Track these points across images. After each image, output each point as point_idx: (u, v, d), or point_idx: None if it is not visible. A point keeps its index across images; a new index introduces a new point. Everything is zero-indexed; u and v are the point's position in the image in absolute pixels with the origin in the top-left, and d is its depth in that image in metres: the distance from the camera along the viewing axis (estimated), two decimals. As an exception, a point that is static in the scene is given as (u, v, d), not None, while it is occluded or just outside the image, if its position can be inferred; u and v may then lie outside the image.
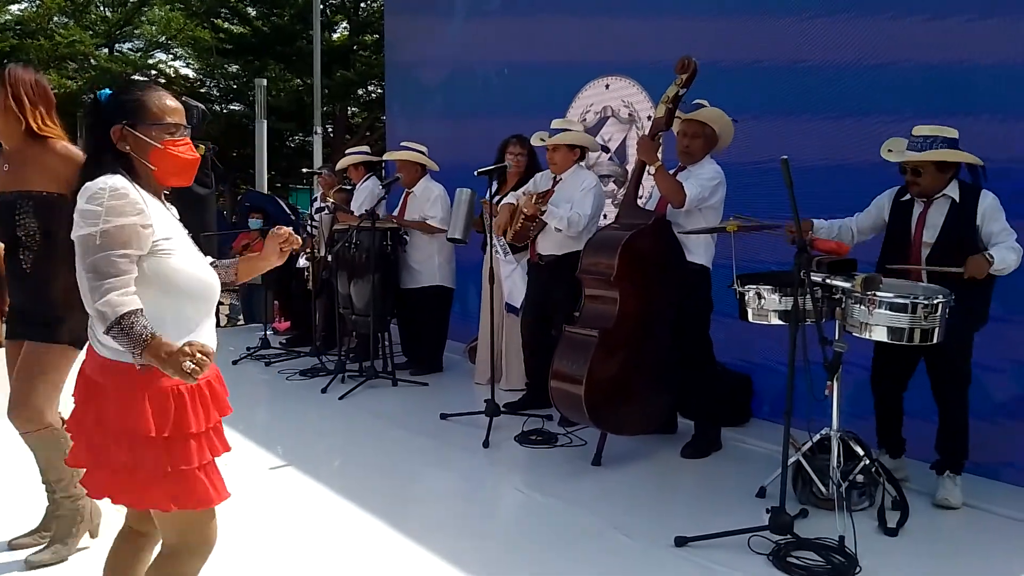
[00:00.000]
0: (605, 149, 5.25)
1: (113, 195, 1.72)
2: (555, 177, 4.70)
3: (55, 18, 21.09)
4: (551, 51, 6.08)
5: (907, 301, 3.03)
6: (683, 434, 4.18)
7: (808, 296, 3.06)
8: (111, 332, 1.69)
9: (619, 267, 3.77)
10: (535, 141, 5.11)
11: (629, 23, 5.45)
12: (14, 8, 21.07)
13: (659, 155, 3.89)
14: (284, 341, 6.97)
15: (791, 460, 3.17)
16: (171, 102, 1.88)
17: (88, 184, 1.76)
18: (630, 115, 5.52)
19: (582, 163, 4.73)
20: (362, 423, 4.67)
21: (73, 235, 1.74)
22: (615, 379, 3.80)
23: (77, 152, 2.69)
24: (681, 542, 2.96)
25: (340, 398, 5.12)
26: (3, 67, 2.75)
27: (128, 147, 1.82)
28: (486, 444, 4.14)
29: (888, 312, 3.06)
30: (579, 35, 5.83)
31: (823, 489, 3.25)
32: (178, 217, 1.95)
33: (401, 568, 2.86)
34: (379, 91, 19.50)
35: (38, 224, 2.68)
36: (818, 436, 3.32)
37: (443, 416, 4.65)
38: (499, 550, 3.03)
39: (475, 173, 4.54)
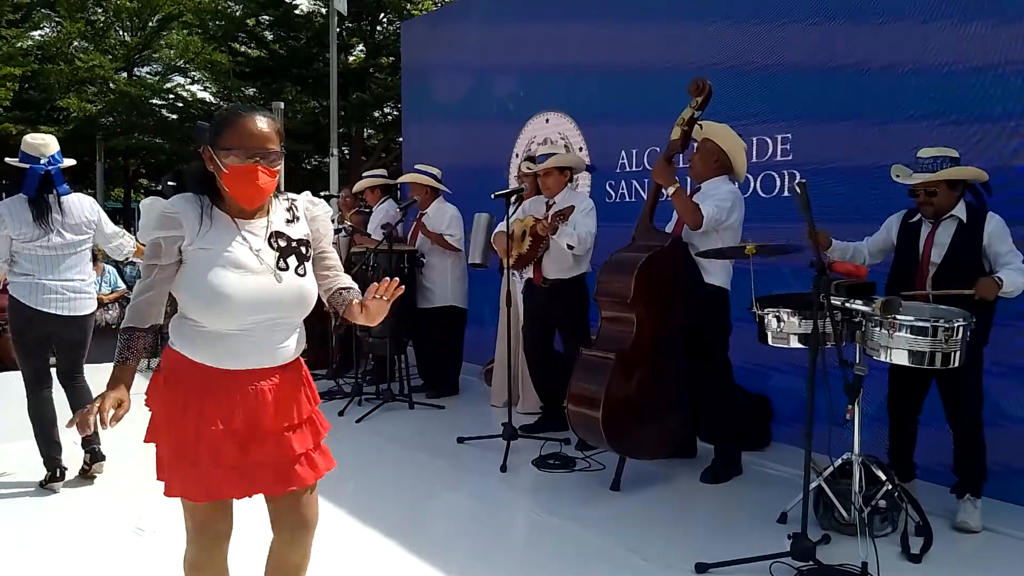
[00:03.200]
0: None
1: (148, 211, 1.94)
2: (547, 202, 4.72)
3: (75, 43, 21.45)
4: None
5: (928, 324, 3.02)
6: (702, 458, 4.16)
7: (828, 319, 3.04)
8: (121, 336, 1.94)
9: (636, 289, 3.76)
10: (522, 170, 5.20)
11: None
12: (36, 34, 21.47)
13: (675, 177, 3.89)
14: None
15: (812, 485, 3.14)
16: (249, 127, 1.91)
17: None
18: (565, 146, 5.69)
19: (572, 184, 4.77)
20: (379, 446, 4.67)
21: None
22: (633, 402, 3.78)
23: None
24: (702, 568, 2.93)
25: (357, 421, 5.12)
26: None
27: (212, 167, 1.92)
28: (504, 468, 4.13)
29: (909, 335, 3.04)
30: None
31: (845, 514, 3.22)
32: (272, 232, 1.98)
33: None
34: (395, 113, 19.66)
35: None
36: (839, 461, 3.28)
37: (460, 439, 4.64)
38: (516, 567, 3.01)
39: (492, 196, 4.57)
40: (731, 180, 4.06)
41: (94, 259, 8.09)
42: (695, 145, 4.09)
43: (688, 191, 4.08)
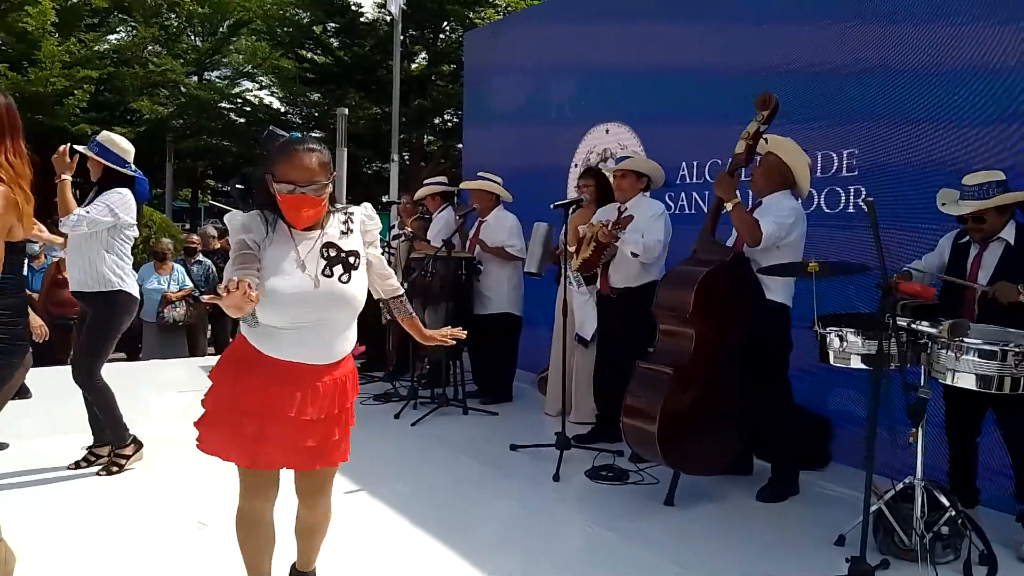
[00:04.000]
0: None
1: (231, 220, 2.26)
2: (620, 207, 4.71)
3: (149, 47, 22.15)
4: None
5: (996, 348, 2.94)
6: (759, 476, 4.10)
7: (892, 340, 2.99)
8: None
9: (695, 304, 3.74)
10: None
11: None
12: (112, 38, 22.25)
13: (736, 192, 3.86)
14: (359, 365, 7.09)
15: (872, 508, 3.08)
16: (297, 163, 2.18)
17: None
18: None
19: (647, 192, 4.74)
20: (433, 450, 4.72)
21: None
22: (689, 417, 3.76)
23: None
24: (756, 588, 2.90)
25: (412, 424, 5.19)
26: None
27: (273, 191, 2.22)
28: (556, 477, 4.14)
29: (976, 359, 2.97)
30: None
31: (905, 539, 3.15)
32: (324, 243, 2.27)
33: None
34: (455, 120, 19.84)
35: None
36: (901, 485, 3.22)
37: (513, 447, 4.67)
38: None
39: (551, 206, 4.60)
40: (794, 195, 4.01)
41: (163, 258, 8.41)
42: (758, 159, 4.06)
43: (749, 205, 4.04)
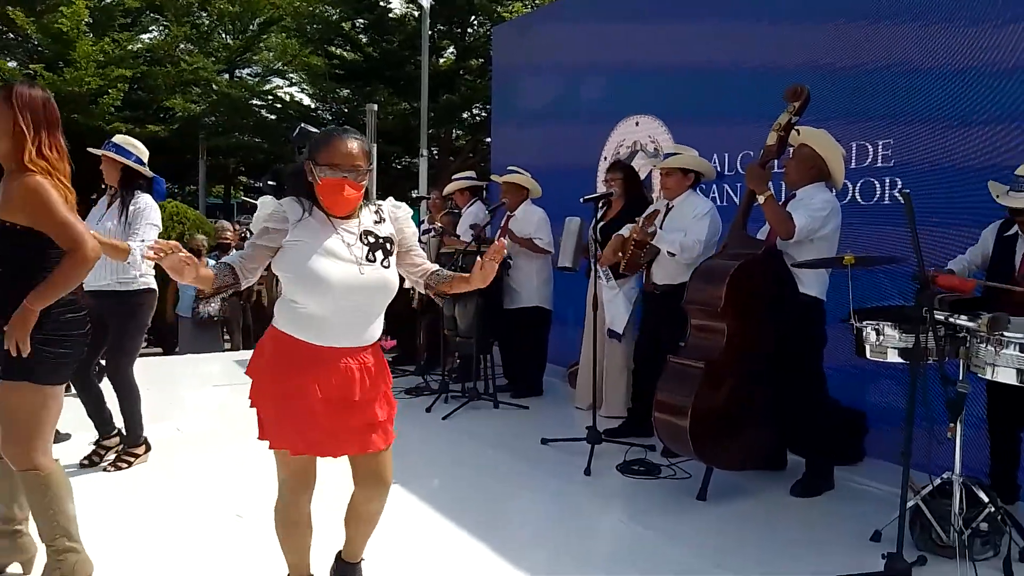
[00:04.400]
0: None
1: (261, 207, 2.35)
2: (667, 204, 4.67)
3: (181, 45, 22.41)
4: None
5: (1039, 342, 2.88)
6: (793, 471, 4.06)
7: (930, 334, 2.94)
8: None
9: (726, 298, 3.71)
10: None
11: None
12: (145, 37, 22.54)
13: (769, 185, 3.82)
14: (390, 359, 7.15)
15: (909, 504, 3.04)
16: (340, 148, 2.25)
17: None
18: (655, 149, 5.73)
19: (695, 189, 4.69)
20: (464, 444, 4.74)
21: None
22: (721, 412, 3.73)
23: (42, 190, 2.54)
24: (790, 584, 2.88)
25: (443, 418, 5.21)
26: (8, 86, 2.64)
27: (311, 178, 2.29)
28: (587, 472, 4.13)
29: (1017, 353, 2.90)
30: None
31: (943, 536, 3.09)
32: (363, 231, 2.34)
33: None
34: (483, 114, 19.83)
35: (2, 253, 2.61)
36: (939, 480, 3.17)
37: (544, 441, 4.67)
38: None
39: (581, 200, 4.59)
40: (828, 187, 3.96)
41: (198, 255, 8.51)
42: (790, 151, 4.01)
43: (783, 198, 4.00)
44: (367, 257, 2.31)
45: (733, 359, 3.75)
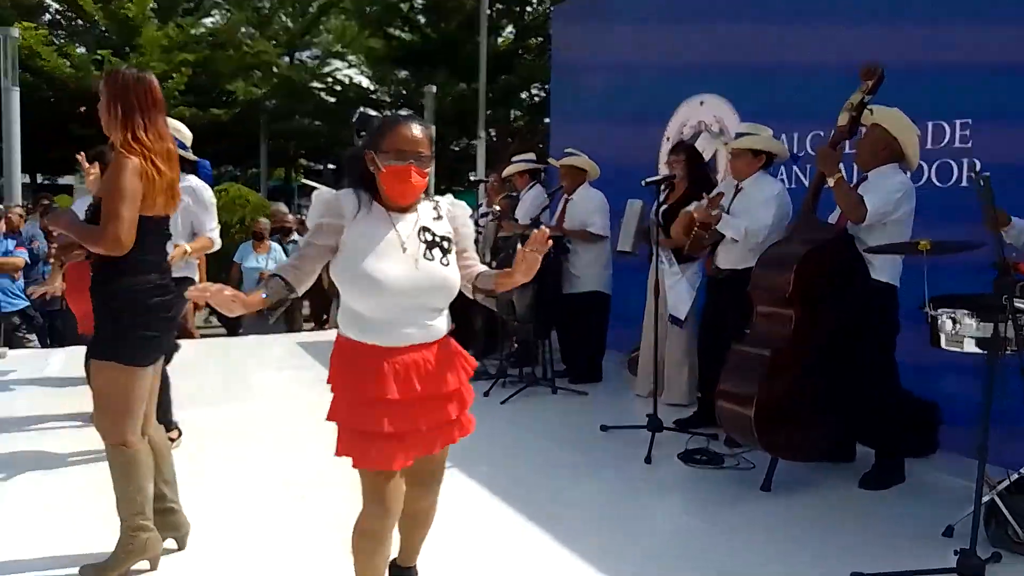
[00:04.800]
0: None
1: (315, 199, 2.18)
2: (737, 185, 4.55)
3: (242, 29, 22.78)
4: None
5: None
6: (862, 463, 3.94)
7: (1009, 323, 2.81)
8: None
9: (794, 284, 3.60)
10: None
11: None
12: (207, 21, 22.98)
13: (840, 167, 3.69)
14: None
15: (984, 499, 2.92)
16: (405, 134, 2.16)
17: None
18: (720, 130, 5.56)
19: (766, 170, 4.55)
20: (522, 429, 4.72)
21: None
22: (787, 401, 3.63)
23: (120, 173, 2.63)
24: (859, 579, 2.79)
25: (501, 403, 5.20)
26: (108, 71, 2.79)
27: (372, 168, 2.19)
28: (648, 460, 4.08)
29: (1105, 344, 2.75)
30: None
31: (1020, 533, 2.98)
32: (420, 227, 2.22)
33: (554, 574, 2.90)
34: (542, 94, 19.72)
35: None
36: (1016, 475, 3.04)
37: (603, 428, 4.63)
38: (656, 568, 2.97)
39: (642, 183, 4.50)
40: (902, 169, 3.80)
41: (261, 238, 8.66)
42: (862, 131, 3.86)
43: (854, 181, 3.86)
44: (424, 255, 2.19)
45: (800, 347, 3.65)
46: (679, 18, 6.32)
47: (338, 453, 2.16)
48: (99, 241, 2.58)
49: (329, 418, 2.19)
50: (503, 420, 4.89)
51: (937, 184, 4.36)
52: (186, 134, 4.20)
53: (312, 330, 9.51)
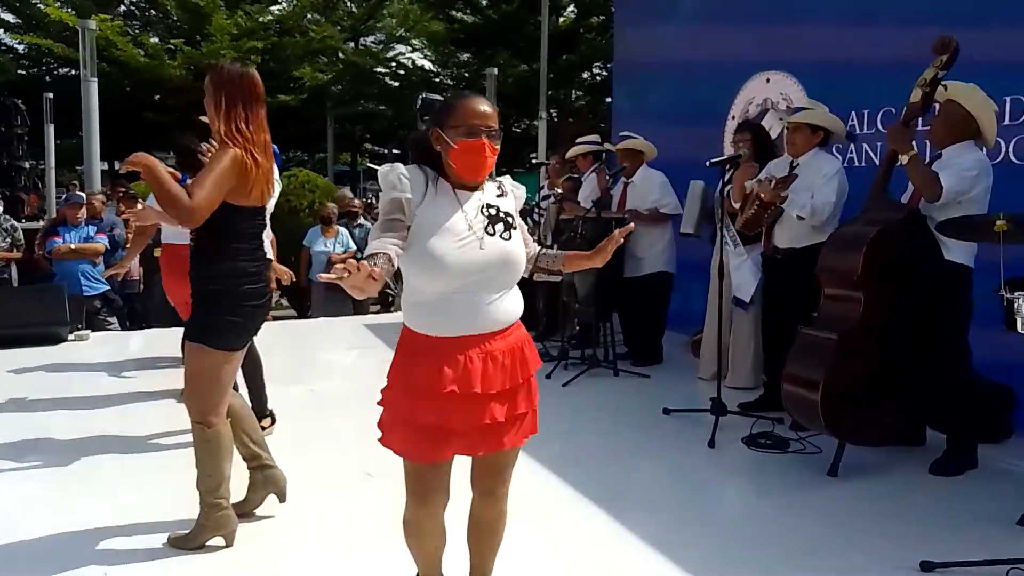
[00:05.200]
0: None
1: (383, 177, 2.10)
2: (792, 162, 4.46)
3: (308, 15, 23.11)
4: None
5: None
6: (932, 448, 3.85)
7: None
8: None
9: (864, 266, 3.52)
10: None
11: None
12: (274, 8, 23.38)
13: (913, 144, 3.58)
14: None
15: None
16: (475, 108, 2.10)
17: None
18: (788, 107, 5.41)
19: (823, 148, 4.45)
20: (584, 411, 4.74)
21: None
22: (855, 385, 3.56)
23: (218, 159, 2.72)
24: (928, 567, 2.73)
25: (563, 385, 5.23)
26: (212, 65, 2.92)
27: (440, 146, 2.11)
28: (711, 444, 4.05)
29: None
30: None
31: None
32: (484, 203, 2.15)
33: (617, 556, 2.91)
34: (603, 74, 19.52)
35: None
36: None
37: (666, 411, 4.61)
38: (720, 552, 2.95)
39: (707, 164, 4.44)
40: (977, 146, 3.67)
41: (329, 222, 8.82)
42: (936, 108, 3.73)
43: (928, 158, 3.74)
44: (487, 230, 2.12)
45: (870, 330, 3.57)
46: (734, 8, 6.18)
47: (381, 440, 2.15)
48: (178, 203, 2.62)
49: (380, 403, 2.17)
50: (565, 403, 4.91)
51: (1015, 161, 4.19)
52: None
53: (378, 312, 9.68)
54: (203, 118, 3.05)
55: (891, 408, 3.66)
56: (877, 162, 4.79)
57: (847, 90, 5.10)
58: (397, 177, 2.08)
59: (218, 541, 2.91)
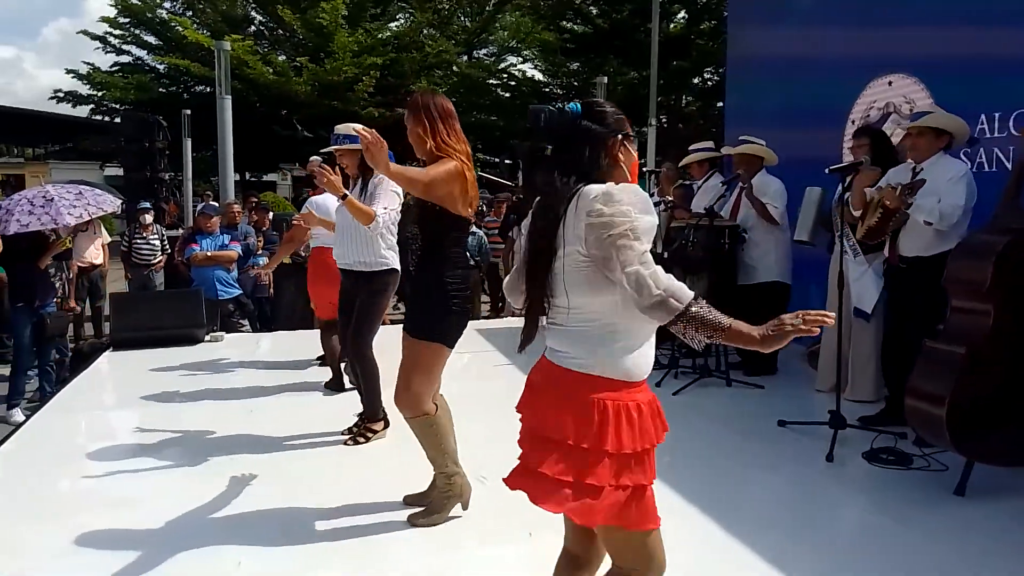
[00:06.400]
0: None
1: (635, 194, 1.80)
2: (914, 168, 4.30)
3: (424, 31, 23.76)
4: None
5: None
6: (1071, 470, 3.63)
7: None
8: (679, 320, 1.75)
9: (993, 277, 3.36)
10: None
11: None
12: (392, 25, 24.17)
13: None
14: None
15: None
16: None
17: (593, 187, 1.80)
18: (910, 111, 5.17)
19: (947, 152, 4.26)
20: (695, 422, 4.69)
21: (597, 235, 1.76)
22: (984, 402, 3.40)
23: (445, 169, 3.04)
24: (1065, 596, 2.59)
25: (674, 394, 5.19)
26: (412, 96, 3.23)
27: (623, 157, 1.93)
28: (830, 458, 3.94)
29: None
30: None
31: None
32: None
33: (727, 572, 2.88)
34: (715, 79, 19.19)
35: (418, 229, 3.19)
36: None
37: (781, 423, 4.51)
38: (837, 572, 2.87)
39: (826, 170, 4.33)
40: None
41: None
42: None
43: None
44: None
45: (1001, 344, 3.41)
46: (848, 11, 5.97)
47: (651, 525, 2.02)
48: (413, 178, 2.98)
49: (620, 486, 1.91)
50: (676, 412, 4.85)
51: None
52: None
53: (488, 317, 9.85)
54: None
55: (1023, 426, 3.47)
56: (1009, 167, 4.56)
57: (975, 93, 4.86)
58: (645, 199, 1.82)
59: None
